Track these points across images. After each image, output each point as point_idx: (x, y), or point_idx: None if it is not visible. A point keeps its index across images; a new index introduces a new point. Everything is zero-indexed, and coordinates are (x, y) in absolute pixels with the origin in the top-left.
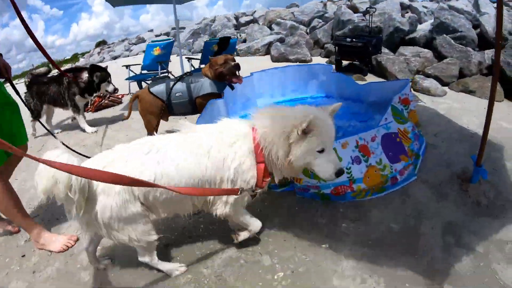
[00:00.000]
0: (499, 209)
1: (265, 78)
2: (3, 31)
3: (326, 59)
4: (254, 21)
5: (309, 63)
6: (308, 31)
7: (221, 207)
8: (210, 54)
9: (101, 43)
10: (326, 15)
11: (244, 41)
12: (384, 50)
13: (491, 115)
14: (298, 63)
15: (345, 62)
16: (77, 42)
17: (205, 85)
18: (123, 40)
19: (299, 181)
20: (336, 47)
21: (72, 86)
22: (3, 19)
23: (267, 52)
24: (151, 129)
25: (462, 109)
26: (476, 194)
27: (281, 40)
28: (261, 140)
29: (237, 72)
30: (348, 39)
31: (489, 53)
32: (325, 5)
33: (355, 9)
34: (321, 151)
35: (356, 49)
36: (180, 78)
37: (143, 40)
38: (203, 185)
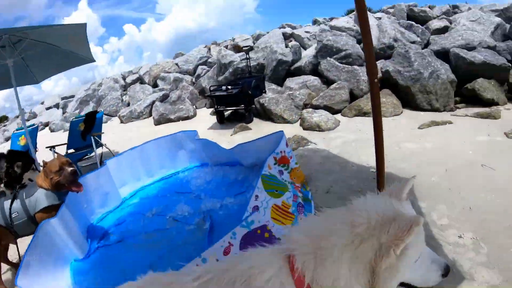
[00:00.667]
0: None
1: (124, 163)
2: None
3: (211, 109)
4: (140, 79)
5: (172, 134)
6: (194, 80)
7: None
8: (77, 134)
9: (2, 120)
10: (210, 60)
11: (128, 104)
12: (271, 85)
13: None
14: (181, 121)
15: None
16: None
17: (40, 198)
18: (17, 117)
19: None
20: (214, 98)
21: None
22: None
23: (151, 114)
24: None
25: (359, 140)
26: None
27: (165, 97)
28: (305, 274)
29: (75, 177)
30: (223, 87)
31: (378, 64)
32: (209, 49)
33: (238, 49)
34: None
35: (234, 96)
36: (14, 195)
37: (35, 116)
38: None
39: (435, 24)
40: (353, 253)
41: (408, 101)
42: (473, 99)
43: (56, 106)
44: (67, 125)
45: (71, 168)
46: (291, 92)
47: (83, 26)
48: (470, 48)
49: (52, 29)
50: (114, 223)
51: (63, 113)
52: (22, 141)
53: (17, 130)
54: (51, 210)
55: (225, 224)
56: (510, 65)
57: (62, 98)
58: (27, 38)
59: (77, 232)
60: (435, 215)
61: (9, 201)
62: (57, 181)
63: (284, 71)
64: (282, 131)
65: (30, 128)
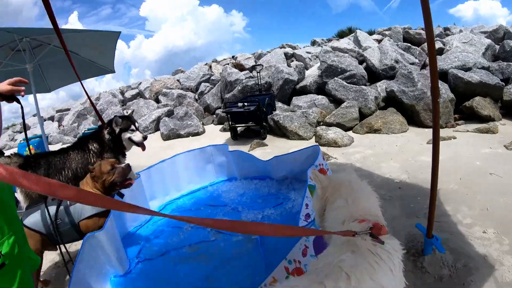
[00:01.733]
0: (463, 273)
1: (155, 176)
2: None
3: (220, 126)
4: (140, 94)
5: (202, 147)
6: (196, 97)
7: None
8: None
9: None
10: (213, 77)
11: None
12: (278, 104)
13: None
14: (190, 137)
15: (240, 127)
16: None
17: (86, 205)
18: (7, 128)
19: None
20: (229, 115)
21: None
22: None
23: (157, 129)
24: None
25: (377, 154)
26: (435, 267)
27: (170, 113)
28: None
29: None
30: (240, 104)
31: (381, 85)
32: (210, 67)
33: (240, 67)
34: None
35: (251, 113)
36: (60, 201)
37: (28, 128)
38: None
39: None
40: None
41: (413, 119)
42: (471, 116)
43: (51, 118)
44: (66, 138)
45: (124, 164)
46: (304, 110)
47: (116, 35)
48: (466, 69)
49: (83, 34)
50: (150, 236)
51: (59, 125)
52: (31, 151)
53: (23, 139)
54: (95, 218)
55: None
56: (503, 84)
57: (57, 111)
58: (49, 44)
59: (117, 246)
60: (460, 216)
61: (54, 207)
62: (111, 181)
63: (290, 90)
64: (318, 145)
65: (38, 139)
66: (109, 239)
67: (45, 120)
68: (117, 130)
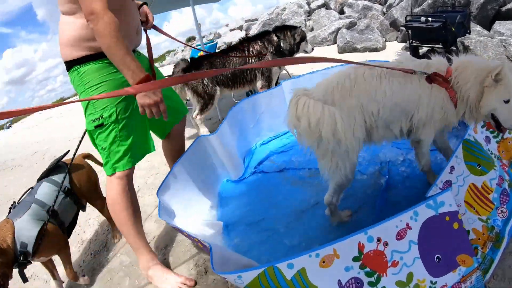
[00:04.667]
0: None
1: (303, 84)
2: None
3: (403, 45)
4: (326, 5)
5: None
6: (385, 10)
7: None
8: None
9: (191, 39)
10: None
11: (312, 29)
12: (475, 27)
13: None
14: (367, 52)
15: (423, 47)
16: (170, 39)
17: None
18: (203, 37)
19: None
20: (409, 31)
21: (268, 50)
22: None
23: (335, 41)
24: None
25: None
26: None
27: (352, 25)
28: (455, 76)
29: None
30: (423, 19)
31: None
32: None
33: None
34: (507, 101)
35: (434, 31)
36: None
37: (219, 36)
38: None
39: None
40: (476, 73)
41: None
42: None
43: (240, 28)
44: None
45: None
46: (503, 38)
47: None
48: None
49: None
50: (277, 150)
51: (246, 34)
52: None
53: (197, 45)
54: None
55: (404, 187)
56: None
57: (246, 21)
58: None
59: (235, 152)
60: None
61: None
62: None
63: (493, 12)
64: None
65: (209, 44)
66: (223, 143)
67: (233, 29)
68: (298, 39)
